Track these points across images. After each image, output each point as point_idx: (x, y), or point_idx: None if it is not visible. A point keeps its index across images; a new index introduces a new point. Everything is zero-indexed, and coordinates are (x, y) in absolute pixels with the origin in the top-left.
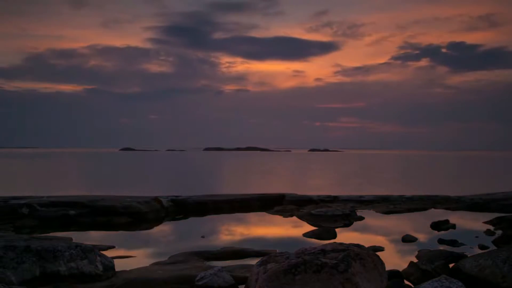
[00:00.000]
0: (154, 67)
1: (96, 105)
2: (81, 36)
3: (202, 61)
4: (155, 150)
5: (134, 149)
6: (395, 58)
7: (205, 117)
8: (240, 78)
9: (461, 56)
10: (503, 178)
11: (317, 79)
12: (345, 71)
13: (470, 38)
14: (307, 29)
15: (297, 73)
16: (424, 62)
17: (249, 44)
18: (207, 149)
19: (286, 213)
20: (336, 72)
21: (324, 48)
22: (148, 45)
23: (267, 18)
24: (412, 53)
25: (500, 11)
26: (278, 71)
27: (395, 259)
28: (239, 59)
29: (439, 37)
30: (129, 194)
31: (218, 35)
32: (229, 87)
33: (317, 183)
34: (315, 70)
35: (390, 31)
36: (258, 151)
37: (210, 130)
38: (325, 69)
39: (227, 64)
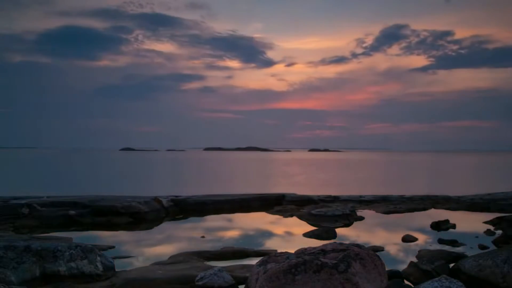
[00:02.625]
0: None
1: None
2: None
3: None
4: (155, 150)
5: (134, 149)
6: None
7: (205, 116)
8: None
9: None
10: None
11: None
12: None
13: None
14: None
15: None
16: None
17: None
18: (207, 149)
19: (286, 213)
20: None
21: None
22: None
23: None
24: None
25: None
26: (276, 70)
27: (395, 259)
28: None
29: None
30: (129, 194)
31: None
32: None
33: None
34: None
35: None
36: (258, 151)
37: (210, 130)
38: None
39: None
